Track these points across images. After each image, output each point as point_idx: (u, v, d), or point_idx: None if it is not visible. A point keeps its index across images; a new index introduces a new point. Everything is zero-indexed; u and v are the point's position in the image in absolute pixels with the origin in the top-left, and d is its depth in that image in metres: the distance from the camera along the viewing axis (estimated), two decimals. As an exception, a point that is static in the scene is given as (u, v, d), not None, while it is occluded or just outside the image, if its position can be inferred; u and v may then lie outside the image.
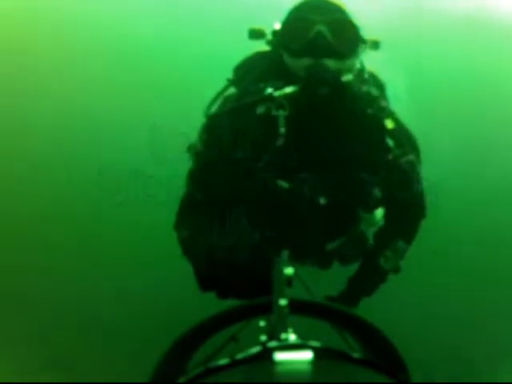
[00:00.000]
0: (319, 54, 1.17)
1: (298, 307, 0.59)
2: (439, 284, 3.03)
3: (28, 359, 2.71)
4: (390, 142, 1.28)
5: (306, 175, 1.27)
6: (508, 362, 2.84)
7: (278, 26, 1.28)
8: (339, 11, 1.22)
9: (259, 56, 1.40)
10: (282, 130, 1.18)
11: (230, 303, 0.66)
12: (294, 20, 1.22)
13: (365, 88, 1.29)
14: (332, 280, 1.70)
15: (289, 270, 0.66)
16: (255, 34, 1.29)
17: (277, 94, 1.18)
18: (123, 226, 3.16)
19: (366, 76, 1.33)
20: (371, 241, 1.52)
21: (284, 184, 1.25)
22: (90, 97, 3.19)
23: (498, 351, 2.83)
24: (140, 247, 3.05)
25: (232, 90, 1.38)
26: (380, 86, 1.38)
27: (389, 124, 1.28)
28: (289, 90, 1.18)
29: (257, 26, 1.29)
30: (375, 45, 1.28)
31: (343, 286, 1.56)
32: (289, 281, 0.64)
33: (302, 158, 1.26)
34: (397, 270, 1.49)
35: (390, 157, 1.28)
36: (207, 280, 1.05)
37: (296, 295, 0.63)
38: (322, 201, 1.28)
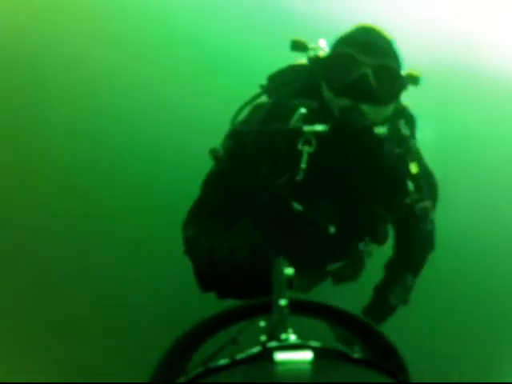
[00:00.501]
0: (358, 98, 1.13)
1: (298, 307, 0.59)
2: (439, 284, 3.04)
3: (28, 360, 2.71)
4: (411, 186, 1.27)
5: (322, 202, 1.27)
6: (508, 362, 2.84)
7: (322, 44, 1.25)
8: (387, 54, 1.17)
9: (296, 69, 1.38)
10: (304, 165, 1.17)
11: (230, 303, 0.66)
12: (340, 56, 1.17)
13: (398, 126, 1.27)
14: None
15: (289, 271, 0.66)
16: (298, 47, 1.25)
17: (306, 129, 1.16)
18: (124, 225, 3.16)
19: (400, 111, 1.30)
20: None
21: (298, 206, 1.24)
22: (96, 95, 3.19)
23: (497, 351, 2.84)
24: (140, 246, 3.05)
25: (263, 99, 1.36)
26: (411, 122, 1.34)
27: (413, 168, 1.25)
28: (319, 128, 1.15)
29: (301, 37, 1.24)
30: (415, 80, 1.23)
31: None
32: (289, 281, 0.64)
33: (321, 187, 1.26)
34: (405, 302, 1.56)
35: (408, 200, 1.28)
36: (207, 280, 1.05)
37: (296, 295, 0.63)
38: (332, 229, 1.28)
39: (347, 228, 1.30)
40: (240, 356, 0.41)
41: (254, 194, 1.26)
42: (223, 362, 0.41)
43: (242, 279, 0.99)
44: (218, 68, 3.16)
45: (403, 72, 1.22)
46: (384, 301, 1.54)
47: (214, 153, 1.30)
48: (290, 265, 0.68)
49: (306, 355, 0.41)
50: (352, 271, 1.57)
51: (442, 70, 3.06)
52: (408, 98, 1.31)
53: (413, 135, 1.33)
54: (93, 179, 3.13)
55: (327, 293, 1.69)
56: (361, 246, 1.45)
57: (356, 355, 0.42)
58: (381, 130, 1.16)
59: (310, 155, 1.18)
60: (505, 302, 2.97)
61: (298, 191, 1.24)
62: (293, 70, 1.39)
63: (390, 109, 1.22)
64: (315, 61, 1.24)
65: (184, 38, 3.22)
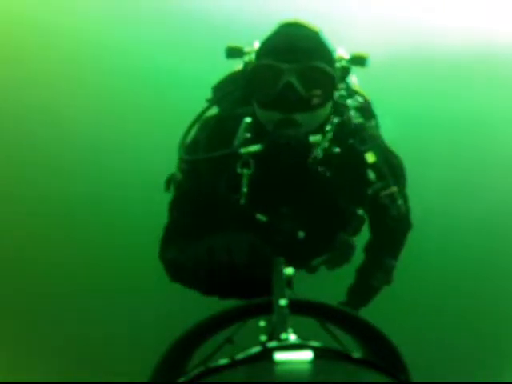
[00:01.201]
0: (288, 108, 1.05)
1: (298, 307, 0.59)
2: (439, 284, 3.04)
3: (29, 361, 2.71)
4: (372, 175, 1.22)
5: (284, 209, 1.24)
6: (508, 362, 2.84)
7: (256, 45, 1.16)
8: (312, 52, 1.07)
9: (235, 77, 1.34)
10: (245, 189, 1.15)
11: (230, 303, 0.66)
12: (260, 68, 1.09)
13: (348, 115, 1.21)
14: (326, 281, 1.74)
15: (289, 271, 0.66)
16: (233, 53, 1.19)
17: (242, 151, 1.12)
18: (124, 225, 3.16)
19: (352, 101, 1.25)
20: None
21: (262, 217, 1.22)
22: (92, 101, 3.24)
23: (498, 351, 2.84)
24: (140, 245, 3.05)
25: (214, 111, 1.32)
26: (366, 107, 1.29)
27: (370, 158, 1.20)
28: (254, 148, 1.11)
29: (234, 43, 1.17)
30: (362, 61, 1.18)
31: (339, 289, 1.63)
32: (289, 281, 0.64)
33: (278, 195, 1.23)
34: (389, 283, 1.55)
35: (370, 191, 1.23)
36: (208, 283, 1.05)
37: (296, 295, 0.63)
38: (301, 234, 1.26)
39: (315, 229, 1.28)
40: (240, 356, 0.41)
41: (218, 210, 1.25)
42: (223, 361, 0.41)
43: (242, 280, 0.99)
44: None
45: (337, 63, 1.15)
46: (366, 283, 1.54)
47: (172, 177, 1.28)
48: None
49: (306, 355, 0.41)
50: (342, 257, 1.53)
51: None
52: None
53: (368, 120, 1.27)
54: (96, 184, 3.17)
55: (326, 289, 1.70)
56: (337, 240, 1.43)
57: (356, 355, 0.42)
58: (316, 137, 1.09)
59: (256, 178, 1.16)
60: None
61: (259, 202, 1.21)
62: (232, 78, 1.36)
63: (328, 108, 1.13)
64: (246, 70, 1.19)
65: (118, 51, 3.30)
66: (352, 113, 1.22)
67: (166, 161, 1.33)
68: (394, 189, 1.24)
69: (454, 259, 3.10)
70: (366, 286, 1.57)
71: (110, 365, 2.57)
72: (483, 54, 3.34)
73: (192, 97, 1.43)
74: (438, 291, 2.99)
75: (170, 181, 1.29)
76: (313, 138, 1.08)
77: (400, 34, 3.27)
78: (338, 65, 1.15)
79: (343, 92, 1.22)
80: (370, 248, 1.55)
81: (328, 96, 1.10)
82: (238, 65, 1.38)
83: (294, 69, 1.04)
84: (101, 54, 3.26)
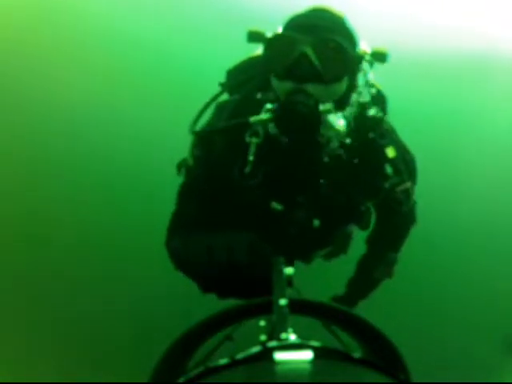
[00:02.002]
0: (302, 79, 1.06)
1: (298, 307, 0.59)
2: (439, 283, 3.04)
3: (31, 361, 2.72)
4: (389, 170, 1.23)
5: (300, 198, 1.24)
6: (508, 362, 2.84)
7: (280, 30, 1.16)
8: (331, 30, 1.09)
9: (254, 62, 1.33)
10: (251, 157, 1.13)
11: (230, 303, 0.66)
12: (277, 39, 1.10)
13: (370, 111, 1.21)
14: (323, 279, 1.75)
15: (289, 270, 0.66)
16: (255, 37, 1.17)
17: (252, 120, 1.11)
18: (124, 225, 3.16)
19: (371, 93, 1.23)
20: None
21: (277, 206, 1.22)
22: (93, 96, 3.23)
23: (497, 351, 2.84)
24: (141, 244, 3.05)
25: (224, 97, 1.30)
26: (383, 103, 1.29)
27: (390, 152, 1.21)
28: (264, 116, 1.10)
29: (256, 27, 1.15)
30: (383, 57, 1.17)
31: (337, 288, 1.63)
32: (289, 281, 0.64)
33: (294, 183, 1.23)
34: (390, 276, 1.56)
35: (387, 185, 1.24)
36: (207, 281, 1.04)
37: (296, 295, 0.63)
38: (316, 223, 1.26)
39: (330, 219, 1.28)
40: (240, 356, 0.41)
41: (231, 198, 1.23)
42: (223, 361, 0.41)
43: (242, 279, 0.98)
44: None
45: (357, 48, 1.15)
46: (368, 276, 1.55)
47: (183, 163, 1.27)
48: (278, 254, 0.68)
49: (306, 355, 0.41)
50: (340, 247, 1.58)
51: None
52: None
53: (386, 115, 1.27)
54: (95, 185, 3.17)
55: (326, 286, 1.70)
56: (344, 232, 1.47)
57: (356, 355, 0.42)
58: (326, 106, 1.08)
59: (265, 150, 1.14)
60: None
61: (275, 190, 1.21)
62: (250, 63, 1.34)
63: (343, 85, 1.13)
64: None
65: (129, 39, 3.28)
66: (371, 106, 1.22)
67: (178, 149, 1.30)
68: (409, 184, 1.26)
69: (454, 259, 3.10)
70: (366, 279, 1.57)
71: (110, 365, 2.57)
72: (482, 57, 3.37)
73: (203, 84, 1.39)
74: (438, 291, 2.99)
75: (181, 165, 1.28)
76: (323, 107, 1.07)
77: (399, 34, 3.29)
78: (359, 51, 1.16)
79: (363, 82, 1.22)
80: (372, 241, 1.54)
81: (343, 71, 1.10)
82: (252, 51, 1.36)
83: (310, 41, 1.05)
84: (109, 40, 3.24)
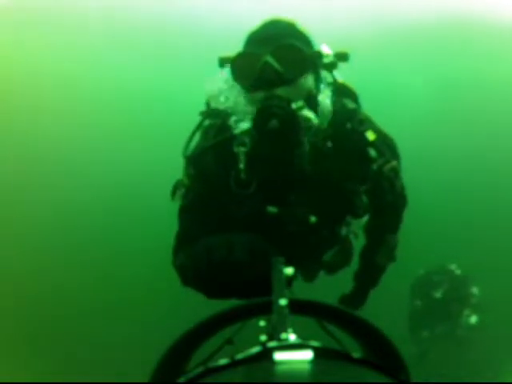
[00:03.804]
0: (270, 85, 1.16)
1: (298, 307, 0.59)
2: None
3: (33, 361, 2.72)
4: (373, 153, 1.30)
5: (294, 197, 1.30)
6: (508, 362, 2.84)
7: (241, 49, 1.27)
8: (284, 36, 1.21)
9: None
10: (241, 165, 1.23)
11: (231, 303, 0.66)
12: (241, 57, 1.22)
13: (342, 102, 1.31)
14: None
15: (289, 270, 0.66)
16: (224, 62, 1.27)
17: (236, 131, 1.23)
18: (124, 224, 3.16)
19: (338, 89, 1.34)
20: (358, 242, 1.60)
21: (273, 209, 1.28)
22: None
23: (498, 351, 2.84)
24: (141, 243, 3.06)
25: (209, 122, 1.39)
26: (354, 97, 1.39)
27: (370, 136, 1.29)
28: (245, 126, 1.21)
29: (224, 54, 1.26)
30: (344, 57, 1.29)
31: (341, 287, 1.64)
32: (289, 281, 0.64)
33: (285, 183, 1.29)
34: (394, 259, 1.58)
35: (374, 167, 1.31)
36: (211, 286, 1.05)
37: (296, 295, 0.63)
38: (313, 219, 1.31)
39: (325, 214, 1.33)
40: (240, 356, 0.41)
41: (230, 210, 1.30)
42: (223, 361, 0.41)
43: (242, 279, 0.99)
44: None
45: (313, 47, 1.26)
46: (372, 263, 1.58)
47: (180, 184, 1.34)
48: (288, 264, 0.68)
49: (306, 355, 0.41)
50: (343, 257, 1.62)
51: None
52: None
53: (359, 107, 1.37)
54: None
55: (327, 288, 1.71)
56: (344, 230, 1.50)
57: (356, 355, 0.42)
58: (298, 104, 1.17)
59: (254, 157, 1.23)
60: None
61: (268, 195, 1.27)
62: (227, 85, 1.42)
63: (308, 82, 1.23)
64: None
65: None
66: (345, 100, 1.33)
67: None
68: (395, 163, 1.34)
69: (453, 259, 3.10)
70: (371, 266, 1.59)
71: (110, 365, 2.57)
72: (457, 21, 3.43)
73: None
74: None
75: (175, 188, 1.35)
76: (295, 105, 1.17)
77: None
78: (315, 49, 1.27)
79: (329, 79, 1.34)
80: (370, 227, 1.59)
81: (303, 68, 1.20)
82: None
83: (269, 50, 1.16)
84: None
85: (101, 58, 3.53)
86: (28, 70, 3.29)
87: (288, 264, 0.68)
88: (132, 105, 3.48)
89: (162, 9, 3.57)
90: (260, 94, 1.18)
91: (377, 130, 1.35)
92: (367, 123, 1.33)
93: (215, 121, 1.35)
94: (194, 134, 1.37)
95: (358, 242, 1.62)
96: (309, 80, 1.23)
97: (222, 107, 1.34)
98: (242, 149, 1.23)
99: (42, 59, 3.37)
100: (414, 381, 0.57)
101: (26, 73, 3.29)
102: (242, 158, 1.23)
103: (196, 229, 1.30)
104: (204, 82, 1.34)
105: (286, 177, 1.29)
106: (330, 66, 1.30)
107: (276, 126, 1.14)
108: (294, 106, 1.17)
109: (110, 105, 3.46)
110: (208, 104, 1.40)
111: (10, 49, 3.26)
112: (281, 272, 0.64)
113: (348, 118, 1.29)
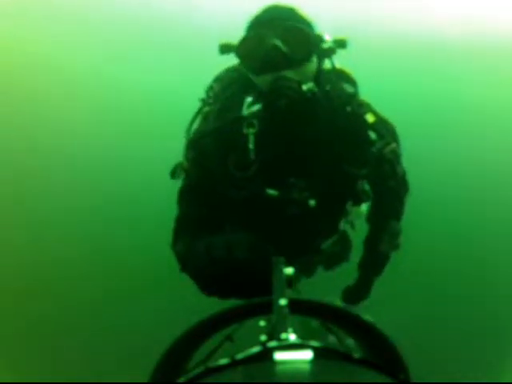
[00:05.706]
0: (278, 68, 1.17)
1: (299, 307, 0.59)
2: (439, 284, 3.04)
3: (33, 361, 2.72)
4: (372, 135, 1.32)
5: (294, 180, 1.31)
6: (508, 362, 2.84)
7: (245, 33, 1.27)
8: (288, 19, 1.22)
9: (230, 70, 1.42)
10: (251, 146, 1.24)
11: (230, 303, 0.66)
12: (247, 40, 1.23)
13: (341, 87, 1.32)
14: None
15: (289, 270, 0.66)
16: (226, 49, 1.27)
17: (246, 113, 1.24)
18: (125, 224, 3.16)
19: (337, 74, 1.35)
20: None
21: (273, 192, 1.29)
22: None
23: (497, 351, 2.84)
24: (141, 243, 3.06)
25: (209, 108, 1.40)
26: (352, 83, 1.39)
27: (370, 118, 1.30)
28: (255, 107, 1.23)
29: (225, 40, 1.26)
30: (343, 43, 1.30)
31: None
32: (289, 281, 0.64)
33: (285, 166, 1.30)
34: (397, 247, 1.56)
35: (374, 149, 1.31)
36: (209, 282, 1.05)
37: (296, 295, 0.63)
38: (312, 203, 1.31)
39: (326, 197, 1.34)
40: (240, 356, 0.41)
41: (229, 193, 1.30)
42: (223, 361, 0.41)
43: (242, 279, 0.99)
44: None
45: (315, 30, 1.27)
46: (375, 251, 1.56)
47: (180, 167, 1.35)
48: (286, 252, 0.68)
49: (306, 355, 0.41)
50: (341, 249, 1.62)
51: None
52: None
53: (357, 92, 1.38)
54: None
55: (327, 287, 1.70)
56: (342, 218, 1.51)
57: (356, 355, 0.42)
58: (308, 85, 1.19)
59: (262, 138, 1.24)
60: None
61: (268, 177, 1.29)
62: (227, 72, 1.43)
63: (314, 65, 1.25)
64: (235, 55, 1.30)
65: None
66: (344, 84, 1.34)
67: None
68: (395, 145, 1.34)
69: (454, 258, 3.10)
70: (375, 254, 1.58)
71: (110, 365, 2.57)
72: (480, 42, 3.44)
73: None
74: (438, 290, 3.00)
75: (176, 169, 1.35)
76: (306, 86, 1.19)
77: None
78: (317, 33, 1.27)
79: (329, 65, 1.35)
80: (372, 214, 1.58)
81: (309, 51, 1.21)
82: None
83: (275, 32, 1.18)
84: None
85: (102, 51, 3.50)
86: (27, 64, 3.28)
87: (287, 260, 0.67)
88: (134, 98, 3.45)
89: (161, 1, 3.56)
90: (267, 77, 1.19)
91: (376, 114, 1.36)
92: (366, 106, 1.34)
93: (215, 106, 1.36)
94: (194, 119, 1.39)
95: (358, 240, 1.62)
96: (314, 63, 1.25)
97: (222, 93, 1.35)
98: (252, 130, 1.24)
99: (40, 53, 3.36)
100: (414, 381, 0.57)
101: (26, 66, 3.28)
102: (251, 139, 1.24)
103: (195, 212, 1.31)
104: (202, 74, 1.34)
105: (289, 159, 1.29)
106: (330, 52, 1.31)
107: (289, 106, 1.16)
108: (304, 87, 1.18)
109: (112, 99, 3.43)
110: (207, 91, 1.41)
111: (10, 41, 3.25)
112: (281, 272, 0.64)
113: (347, 102, 1.31)
